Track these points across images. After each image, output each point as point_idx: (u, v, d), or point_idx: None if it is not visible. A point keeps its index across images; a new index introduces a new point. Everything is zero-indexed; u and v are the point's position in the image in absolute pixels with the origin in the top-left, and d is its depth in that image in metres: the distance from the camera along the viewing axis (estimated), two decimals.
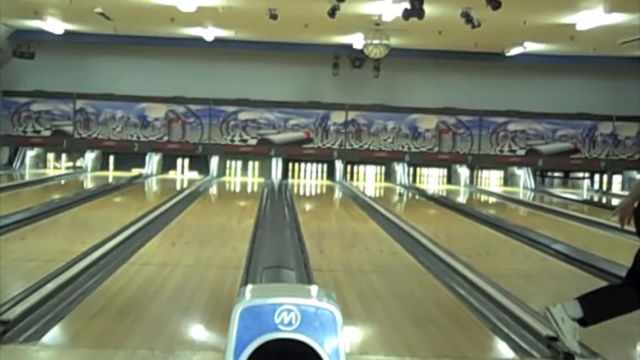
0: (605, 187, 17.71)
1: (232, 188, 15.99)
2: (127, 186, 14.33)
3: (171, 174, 17.27)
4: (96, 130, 17.10)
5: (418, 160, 17.46)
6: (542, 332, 4.17)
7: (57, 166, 17.39)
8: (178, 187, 15.08)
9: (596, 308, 3.78)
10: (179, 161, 17.47)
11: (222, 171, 17.29)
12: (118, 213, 9.82)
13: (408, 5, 10.89)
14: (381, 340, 4.29)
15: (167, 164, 17.43)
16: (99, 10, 13.15)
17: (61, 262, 5.86)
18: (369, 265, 6.65)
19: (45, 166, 17.33)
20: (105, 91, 16.97)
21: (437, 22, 12.73)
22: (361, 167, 17.69)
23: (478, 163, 17.52)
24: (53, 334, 4.10)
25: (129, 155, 17.12)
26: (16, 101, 16.96)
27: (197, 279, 5.75)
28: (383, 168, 17.78)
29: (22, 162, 17.06)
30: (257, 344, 1.76)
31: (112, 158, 17.52)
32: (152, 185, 15.61)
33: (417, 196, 14.94)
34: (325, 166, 17.48)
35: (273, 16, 12.26)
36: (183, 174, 17.31)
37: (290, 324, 1.76)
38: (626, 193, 16.67)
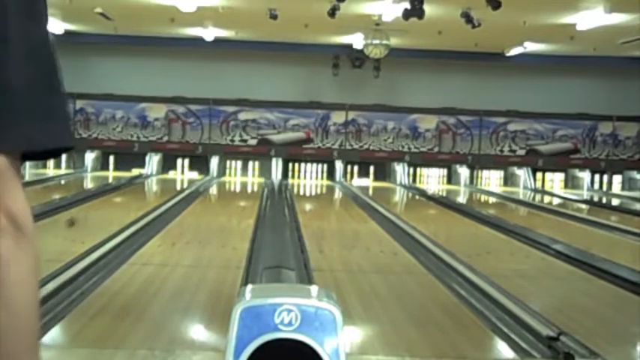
0: (605, 187, 17.70)
1: (232, 188, 16.00)
2: (127, 186, 14.33)
3: (171, 174, 17.27)
4: (96, 130, 17.11)
5: (418, 160, 17.46)
6: (542, 332, 4.17)
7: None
8: (178, 187, 15.08)
9: None
10: (179, 161, 17.47)
11: (222, 171, 17.29)
12: (118, 213, 9.82)
13: (408, 5, 10.90)
14: (381, 340, 4.28)
15: (167, 164, 17.42)
16: (99, 10, 13.16)
17: (61, 262, 5.85)
18: (370, 265, 6.65)
19: (45, 167, 17.33)
20: (105, 91, 16.97)
21: (437, 22, 12.74)
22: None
23: (478, 163, 17.52)
24: (53, 334, 4.10)
25: (129, 155, 17.12)
26: None
27: (197, 279, 5.75)
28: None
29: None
30: (257, 344, 1.76)
31: (112, 158, 17.51)
32: (152, 185, 15.61)
33: (417, 196, 14.95)
34: (325, 166, 17.48)
35: (273, 16, 12.26)
36: (183, 174, 17.31)
37: (290, 324, 1.76)
38: (626, 193, 16.76)
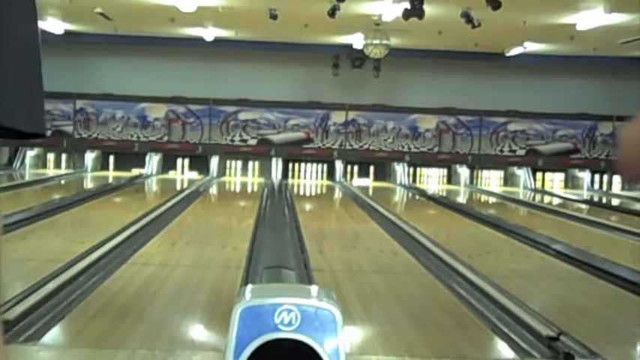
0: (605, 187, 17.70)
1: (232, 188, 15.99)
2: (127, 186, 14.33)
3: (171, 174, 17.27)
4: (96, 130, 17.10)
5: (418, 160, 17.46)
6: (542, 332, 4.17)
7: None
8: (178, 187, 15.08)
9: None
10: (179, 161, 17.46)
11: (222, 171, 17.28)
12: (118, 213, 9.82)
13: (408, 5, 10.90)
14: (381, 340, 4.28)
15: (167, 164, 17.42)
16: (99, 10, 13.16)
17: (61, 262, 5.85)
18: (370, 265, 6.65)
19: (45, 167, 17.33)
20: (105, 91, 16.97)
21: (437, 22, 12.73)
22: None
23: (478, 163, 17.52)
24: (53, 334, 4.10)
25: (129, 155, 17.12)
26: None
27: (197, 279, 5.75)
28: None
29: (22, 162, 17.05)
30: (257, 344, 1.76)
31: (112, 158, 17.51)
32: (152, 185, 15.61)
33: (417, 196, 14.95)
34: (325, 166, 17.48)
35: (273, 16, 12.26)
36: (183, 174, 17.30)
37: (290, 324, 1.76)
38: (626, 193, 16.76)
